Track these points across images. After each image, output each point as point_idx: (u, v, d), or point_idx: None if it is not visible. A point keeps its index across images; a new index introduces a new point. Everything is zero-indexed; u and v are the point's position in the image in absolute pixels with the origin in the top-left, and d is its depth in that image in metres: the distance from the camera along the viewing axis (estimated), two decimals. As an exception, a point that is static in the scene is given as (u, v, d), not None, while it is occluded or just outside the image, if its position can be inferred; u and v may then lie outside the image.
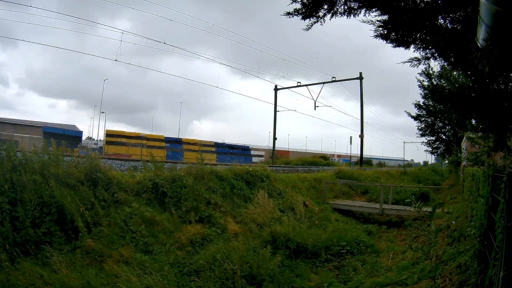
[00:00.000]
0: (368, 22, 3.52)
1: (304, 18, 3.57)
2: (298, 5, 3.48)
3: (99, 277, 4.71)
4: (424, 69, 21.50)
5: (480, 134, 5.83)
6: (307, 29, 3.70)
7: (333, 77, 23.48)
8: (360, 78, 23.05)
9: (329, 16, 3.55)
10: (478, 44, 2.66)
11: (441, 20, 3.37)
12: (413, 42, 3.61)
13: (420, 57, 3.93)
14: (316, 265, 6.73)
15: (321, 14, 3.53)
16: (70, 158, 7.02)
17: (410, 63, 4.01)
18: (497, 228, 2.77)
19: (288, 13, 3.53)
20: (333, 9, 3.49)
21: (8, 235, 4.79)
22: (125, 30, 24.35)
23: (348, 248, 7.29)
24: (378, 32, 3.58)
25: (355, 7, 3.44)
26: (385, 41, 3.64)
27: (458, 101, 4.18)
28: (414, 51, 3.74)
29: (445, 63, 3.98)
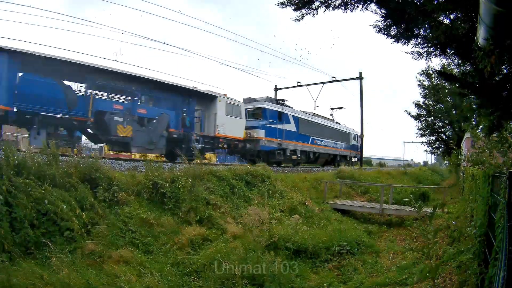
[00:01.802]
0: (370, 11, 3.46)
1: (296, 9, 3.48)
2: None
3: (99, 277, 4.70)
4: (424, 69, 21.50)
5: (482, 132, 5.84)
6: (298, 20, 3.61)
7: (333, 77, 23.45)
8: (360, 78, 23.02)
9: (323, 8, 3.47)
10: (478, 43, 2.66)
11: (442, 17, 3.36)
12: (413, 37, 3.58)
13: (422, 51, 3.89)
14: (316, 265, 6.73)
15: (314, 6, 3.45)
16: (69, 158, 7.00)
17: (412, 56, 3.96)
18: (497, 228, 2.77)
19: (281, 3, 3.43)
20: (328, 1, 3.41)
21: (7, 235, 4.78)
22: (125, 30, 24.32)
23: (348, 248, 7.28)
24: (377, 27, 3.55)
25: (352, 1, 3.38)
26: (384, 36, 3.62)
27: (459, 84, 4.14)
28: (413, 47, 3.71)
29: (444, 60, 3.97)
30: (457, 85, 3.94)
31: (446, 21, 3.38)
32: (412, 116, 24.27)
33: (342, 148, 23.17)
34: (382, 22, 3.47)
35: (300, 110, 18.69)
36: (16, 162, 5.75)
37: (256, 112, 15.73)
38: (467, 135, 14.18)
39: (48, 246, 4.97)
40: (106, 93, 11.21)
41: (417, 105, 23.58)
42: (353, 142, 25.24)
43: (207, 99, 13.61)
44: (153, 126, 11.53)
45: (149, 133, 11.35)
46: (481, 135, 6.02)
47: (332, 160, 22.12)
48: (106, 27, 43.19)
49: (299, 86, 24.95)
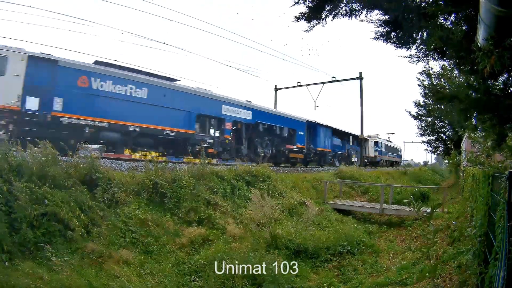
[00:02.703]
0: (369, 21, 3.55)
1: (308, 21, 3.65)
2: (301, 7, 3.57)
3: (99, 278, 4.71)
4: (424, 68, 21.46)
5: (480, 133, 5.84)
6: (309, 30, 3.78)
7: (333, 77, 23.46)
8: (360, 78, 23.01)
9: (331, 17, 3.61)
10: (478, 44, 2.66)
11: (443, 20, 3.38)
12: (414, 43, 3.63)
13: (420, 55, 3.97)
14: (316, 265, 6.73)
15: (323, 15, 3.59)
16: (69, 158, 6.99)
17: (409, 59, 4.04)
18: (497, 228, 2.77)
19: (297, 18, 3.69)
20: (335, 10, 3.54)
21: (6, 236, 4.78)
22: (125, 30, 24.34)
23: (348, 248, 7.28)
24: (379, 34, 3.61)
25: (357, 8, 3.48)
26: (385, 42, 3.67)
27: (458, 101, 4.22)
28: (416, 52, 3.76)
29: (444, 62, 4.01)
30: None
31: (447, 23, 3.41)
32: (412, 116, 24.27)
33: (395, 157, 40.23)
34: (383, 27, 3.54)
35: (383, 139, 35.77)
36: (15, 163, 5.75)
37: (374, 142, 31.36)
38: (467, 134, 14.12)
39: (48, 247, 4.97)
40: (341, 140, 25.44)
41: (417, 105, 23.57)
42: (399, 153, 43.72)
43: (364, 139, 27.70)
44: (355, 152, 27.19)
45: (356, 155, 27.01)
46: (479, 137, 6.02)
47: (391, 164, 37.23)
48: (106, 27, 43.15)
49: (299, 86, 24.97)
